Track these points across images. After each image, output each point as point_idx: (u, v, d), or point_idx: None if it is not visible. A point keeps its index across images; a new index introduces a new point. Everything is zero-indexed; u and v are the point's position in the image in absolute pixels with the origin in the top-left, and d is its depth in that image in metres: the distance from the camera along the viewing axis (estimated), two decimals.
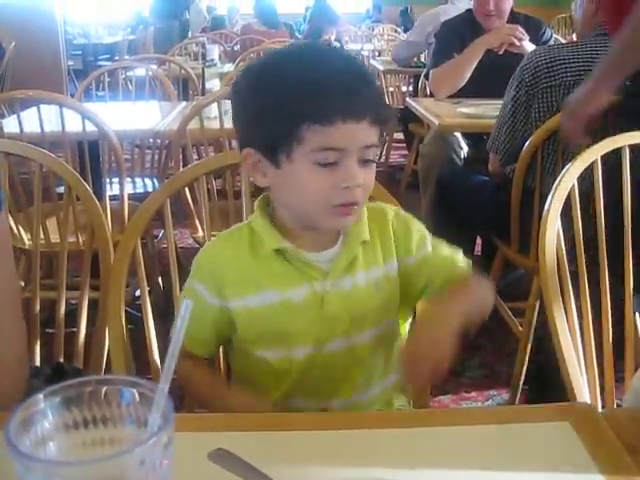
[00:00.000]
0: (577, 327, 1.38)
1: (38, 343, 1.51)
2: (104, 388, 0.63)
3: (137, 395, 0.61)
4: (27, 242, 2.45)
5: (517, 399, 2.34)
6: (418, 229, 1.21)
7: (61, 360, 1.49)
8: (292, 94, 1.02)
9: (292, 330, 1.13)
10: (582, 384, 1.31)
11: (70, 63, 8.96)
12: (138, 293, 1.42)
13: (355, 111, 1.02)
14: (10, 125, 2.79)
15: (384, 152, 5.53)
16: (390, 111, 1.14)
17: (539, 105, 2.32)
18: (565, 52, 2.28)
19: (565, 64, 2.25)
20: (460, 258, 1.23)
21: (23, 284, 2.20)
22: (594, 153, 1.52)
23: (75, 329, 1.52)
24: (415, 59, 5.43)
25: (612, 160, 1.55)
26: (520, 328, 2.48)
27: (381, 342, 1.19)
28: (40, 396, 0.60)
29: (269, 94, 1.04)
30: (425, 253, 1.19)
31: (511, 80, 2.42)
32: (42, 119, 2.65)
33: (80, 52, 10.84)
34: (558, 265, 1.38)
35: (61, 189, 2.02)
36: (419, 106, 3.33)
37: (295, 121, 1.02)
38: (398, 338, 1.25)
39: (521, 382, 2.34)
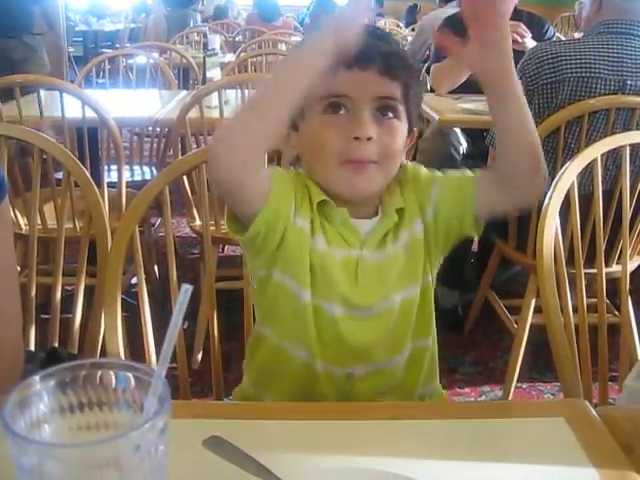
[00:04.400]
0: (573, 326, 1.38)
1: (33, 328, 1.50)
2: (100, 371, 0.62)
3: (133, 379, 0.61)
4: (24, 227, 2.45)
5: (510, 396, 2.34)
6: (425, 174, 1.17)
7: (56, 345, 1.49)
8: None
9: (325, 285, 1.10)
10: (577, 381, 1.31)
11: (70, 50, 8.93)
12: (134, 281, 1.41)
13: (359, 59, 1.02)
14: (9, 110, 2.78)
15: None
16: (405, 62, 1.09)
17: (539, 100, 2.32)
18: (568, 48, 2.28)
19: (567, 60, 2.26)
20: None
21: (19, 269, 2.19)
22: (594, 151, 1.52)
23: (70, 315, 1.52)
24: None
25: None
26: (515, 325, 2.48)
27: (412, 305, 1.15)
28: (36, 378, 0.60)
29: None
30: (437, 191, 1.13)
31: None
32: (42, 104, 2.64)
33: (81, 39, 10.80)
34: (555, 263, 1.38)
35: (59, 175, 2.02)
36: None
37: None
38: (429, 304, 1.19)
39: (515, 379, 2.34)
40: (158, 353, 0.61)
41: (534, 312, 2.28)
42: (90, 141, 2.69)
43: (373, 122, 1.05)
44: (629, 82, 2.23)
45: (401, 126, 1.10)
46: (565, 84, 2.25)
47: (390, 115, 1.08)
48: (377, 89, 1.05)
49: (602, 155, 1.54)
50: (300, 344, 1.14)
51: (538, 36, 3.31)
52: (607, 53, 2.24)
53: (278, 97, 0.97)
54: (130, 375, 0.61)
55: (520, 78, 2.30)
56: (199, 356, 2.51)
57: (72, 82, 3.47)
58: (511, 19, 3.38)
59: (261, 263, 1.14)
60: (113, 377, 0.62)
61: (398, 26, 8.68)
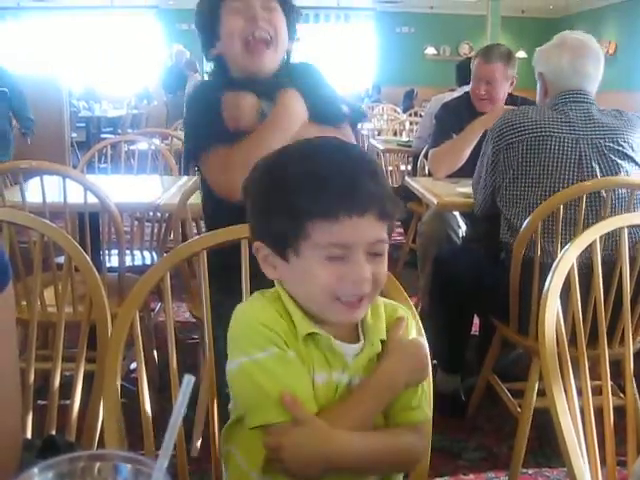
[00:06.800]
0: (578, 409, 1.36)
1: (31, 414, 1.48)
2: (98, 463, 0.61)
3: (133, 471, 0.60)
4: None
5: None
6: None
7: (53, 432, 1.46)
8: (296, 192, 1.03)
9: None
10: (584, 469, 1.29)
11: (74, 135, 9.10)
12: (133, 366, 1.40)
13: (360, 206, 1.02)
14: (13, 195, 2.81)
15: None
16: (397, 205, 1.10)
17: (504, 159, 2.54)
18: (528, 114, 2.52)
19: (526, 124, 2.48)
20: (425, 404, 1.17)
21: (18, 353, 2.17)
22: (593, 233, 1.53)
23: (68, 401, 1.50)
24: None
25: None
26: (518, 409, 2.45)
27: None
28: (34, 470, 0.59)
29: (274, 193, 1.06)
30: None
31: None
32: (44, 190, 2.67)
33: (84, 124, 11.04)
34: (558, 346, 1.37)
35: (59, 259, 2.03)
36: (418, 185, 3.36)
37: (300, 218, 1.03)
38: None
39: (520, 465, 2.29)
40: (157, 440, 0.60)
41: (538, 395, 2.26)
42: (91, 226, 2.71)
43: (368, 263, 1.05)
44: (581, 140, 2.44)
45: (386, 258, 1.10)
46: (524, 144, 2.48)
47: (379, 252, 1.07)
48: (372, 235, 1.05)
49: (600, 237, 1.55)
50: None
51: None
52: (559, 116, 2.48)
53: None
54: (130, 467, 0.60)
55: (490, 139, 2.64)
56: (198, 444, 2.47)
57: (75, 167, 3.52)
58: (506, 104, 3.58)
59: None
60: (112, 469, 0.61)
61: (395, 111, 8.87)
